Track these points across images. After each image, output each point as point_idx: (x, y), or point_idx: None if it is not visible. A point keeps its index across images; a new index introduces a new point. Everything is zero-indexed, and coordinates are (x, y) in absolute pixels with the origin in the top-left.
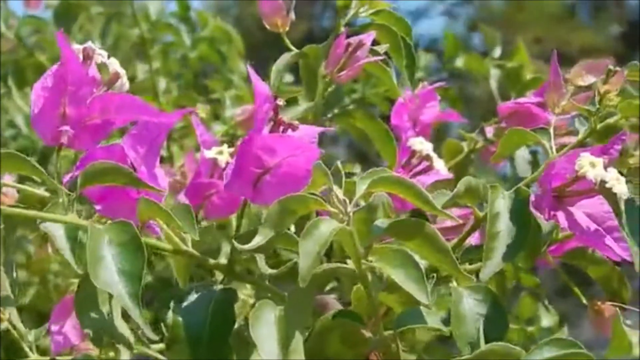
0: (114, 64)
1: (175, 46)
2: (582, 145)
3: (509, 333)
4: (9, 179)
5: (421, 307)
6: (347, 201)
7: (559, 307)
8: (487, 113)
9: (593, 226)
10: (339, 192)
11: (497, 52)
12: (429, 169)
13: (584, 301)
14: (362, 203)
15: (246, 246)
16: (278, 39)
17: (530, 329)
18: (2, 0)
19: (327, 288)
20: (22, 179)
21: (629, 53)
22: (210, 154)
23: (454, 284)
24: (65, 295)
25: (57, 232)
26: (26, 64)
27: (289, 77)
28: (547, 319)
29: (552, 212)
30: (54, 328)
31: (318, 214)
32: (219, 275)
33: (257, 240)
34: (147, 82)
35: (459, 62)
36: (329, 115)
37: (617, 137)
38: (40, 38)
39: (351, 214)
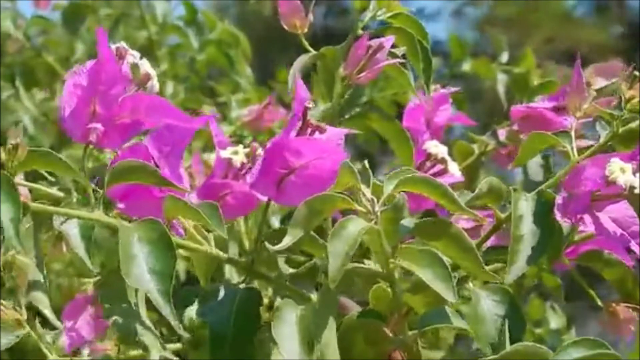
0: (145, 65)
1: (182, 49)
2: (605, 148)
3: None
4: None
5: (446, 307)
6: (375, 200)
7: (565, 309)
8: (492, 112)
9: (619, 231)
10: (367, 191)
11: (505, 56)
12: (443, 172)
13: (599, 303)
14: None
15: (277, 246)
16: (279, 37)
17: (538, 330)
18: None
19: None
20: (34, 179)
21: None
22: (225, 154)
23: (471, 285)
24: (74, 293)
25: (72, 231)
26: (34, 64)
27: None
28: (555, 321)
29: (579, 216)
30: (66, 325)
31: (334, 219)
32: (228, 274)
33: (287, 241)
34: None
35: (466, 66)
36: (346, 117)
37: None
38: (47, 40)
39: (379, 213)
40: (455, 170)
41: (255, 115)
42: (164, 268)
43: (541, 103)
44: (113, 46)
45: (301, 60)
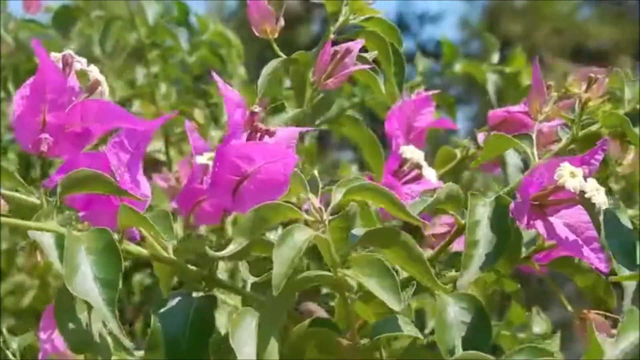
0: (94, 72)
1: (173, 51)
2: (566, 152)
3: (500, 339)
4: None
5: (398, 315)
6: (323, 209)
7: (555, 314)
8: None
9: (572, 236)
10: (315, 200)
11: (496, 57)
12: (419, 177)
13: (569, 309)
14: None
15: (220, 253)
16: (285, 41)
17: (521, 335)
18: (2, 0)
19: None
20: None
21: None
22: (202, 159)
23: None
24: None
25: (46, 240)
26: (25, 68)
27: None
28: (538, 326)
29: (531, 221)
30: (42, 336)
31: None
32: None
33: (231, 248)
34: (145, 87)
35: (458, 67)
36: (317, 122)
37: (598, 147)
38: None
39: (327, 222)
40: (431, 176)
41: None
42: (109, 276)
43: (519, 107)
44: (59, 54)
45: (271, 65)
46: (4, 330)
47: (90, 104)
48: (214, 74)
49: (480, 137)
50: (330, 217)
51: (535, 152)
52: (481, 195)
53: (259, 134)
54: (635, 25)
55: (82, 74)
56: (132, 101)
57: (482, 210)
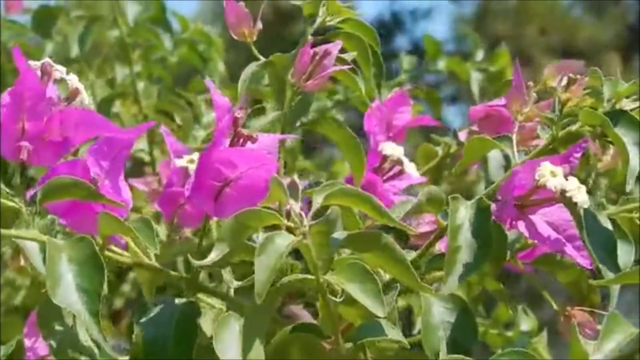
0: (73, 80)
1: (155, 50)
2: (547, 152)
3: (487, 338)
4: None
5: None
6: (304, 215)
7: (541, 309)
8: None
9: (554, 235)
10: (295, 206)
11: (480, 55)
12: (400, 173)
13: (555, 307)
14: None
15: (200, 262)
16: (275, 40)
17: (509, 333)
18: None
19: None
20: None
21: (636, 46)
22: (181, 162)
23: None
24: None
25: (30, 246)
26: (6, 69)
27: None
28: (526, 324)
29: (513, 222)
30: (27, 343)
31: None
32: None
33: (212, 257)
34: (127, 86)
35: (441, 65)
36: (297, 124)
37: (577, 145)
38: (18, 42)
39: (307, 227)
40: (413, 171)
41: None
42: (92, 286)
43: (499, 101)
44: (37, 63)
45: (250, 68)
46: None
47: (70, 112)
48: (207, 79)
49: (462, 135)
50: (311, 222)
51: (516, 153)
52: (461, 199)
53: (241, 140)
54: (621, 24)
55: (61, 82)
56: (114, 101)
57: (464, 214)
